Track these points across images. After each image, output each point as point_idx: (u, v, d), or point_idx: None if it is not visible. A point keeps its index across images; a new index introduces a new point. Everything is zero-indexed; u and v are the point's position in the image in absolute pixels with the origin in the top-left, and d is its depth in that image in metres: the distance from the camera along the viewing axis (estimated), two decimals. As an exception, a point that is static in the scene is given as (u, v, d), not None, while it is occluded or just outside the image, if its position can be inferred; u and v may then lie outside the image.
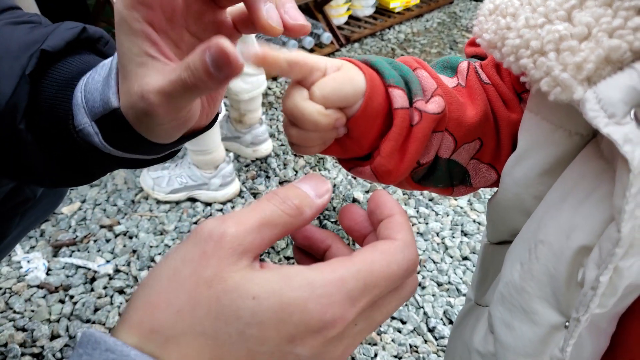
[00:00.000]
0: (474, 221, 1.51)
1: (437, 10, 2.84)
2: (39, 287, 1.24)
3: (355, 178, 1.64)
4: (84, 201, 1.50)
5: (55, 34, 0.37)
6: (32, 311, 1.19)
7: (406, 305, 1.26)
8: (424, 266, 1.36)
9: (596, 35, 0.28)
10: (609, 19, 0.28)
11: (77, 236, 1.38)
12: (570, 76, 0.28)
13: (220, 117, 1.37)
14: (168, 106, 0.30)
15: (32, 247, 1.35)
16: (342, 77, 0.34)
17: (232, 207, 1.51)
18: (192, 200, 1.52)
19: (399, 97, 0.36)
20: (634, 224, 0.27)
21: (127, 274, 1.30)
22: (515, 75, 0.38)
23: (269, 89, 2.07)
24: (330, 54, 2.32)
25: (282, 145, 1.77)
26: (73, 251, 1.35)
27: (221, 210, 1.50)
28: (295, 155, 1.72)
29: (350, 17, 2.54)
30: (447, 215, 1.53)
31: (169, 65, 0.29)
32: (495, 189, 0.43)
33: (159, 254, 1.36)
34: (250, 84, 1.50)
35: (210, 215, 1.48)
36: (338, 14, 2.42)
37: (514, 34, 0.32)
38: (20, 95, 0.34)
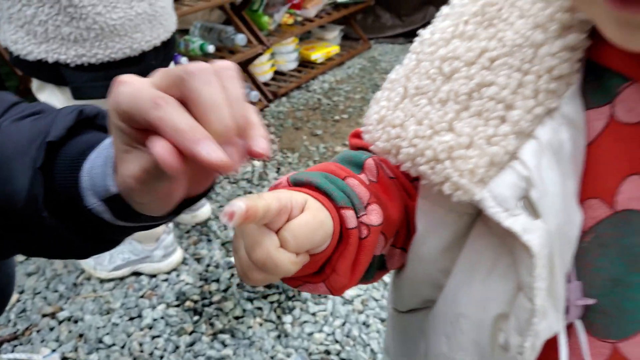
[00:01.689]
0: (409, 255, 1.61)
1: (357, 56, 3.04)
2: (-18, 389, 1.21)
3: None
4: (22, 292, 1.48)
5: (57, 122, 0.40)
6: (-24, 416, 1.15)
7: (354, 345, 1.33)
8: (366, 305, 1.44)
9: (477, 142, 0.33)
10: (484, 128, 0.33)
11: (18, 329, 1.36)
12: (468, 181, 0.33)
13: None
14: (142, 189, 0.32)
15: (-29, 348, 1.32)
16: (313, 222, 0.33)
17: (177, 276, 1.54)
18: (137, 274, 1.54)
19: (351, 218, 0.37)
20: (543, 295, 0.32)
21: (75, 359, 1.29)
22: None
23: (204, 151, 2.14)
24: (260, 110, 2.43)
25: (220, 206, 1.82)
26: (15, 346, 1.32)
27: (167, 280, 1.53)
28: (234, 214, 1.78)
29: (276, 72, 2.67)
30: (384, 253, 1.63)
31: (145, 152, 0.32)
32: None
33: (107, 334, 1.36)
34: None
35: (157, 287, 1.50)
36: (262, 71, 2.55)
37: (406, 143, 0.36)
38: (36, 187, 0.37)
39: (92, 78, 1.18)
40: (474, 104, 0.34)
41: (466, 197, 0.33)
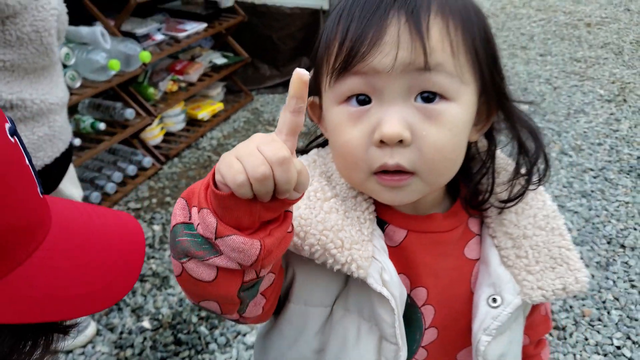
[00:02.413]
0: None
1: (241, 109, 3.34)
2: None
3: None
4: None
5: None
6: None
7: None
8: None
9: (360, 242, 0.54)
10: (358, 235, 0.54)
11: None
12: (367, 264, 0.52)
13: None
14: None
15: None
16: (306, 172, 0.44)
17: (93, 347, 1.72)
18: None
19: (290, 208, 0.48)
20: (402, 336, 0.54)
21: None
22: None
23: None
24: (153, 175, 2.63)
25: (127, 275, 2.01)
26: None
27: (83, 353, 1.70)
28: (141, 281, 1.99)
29: (166, 134, 2.88)
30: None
31: None
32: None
33: (32, 414, 1.50)
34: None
35: (74, 361, 1.67)
36: (153, 135, 2.74)
37: (316, 232, 0.53)
38: None
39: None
40: (348, 219, 0.55)
41: (363, 274, 0.53)
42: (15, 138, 0.41)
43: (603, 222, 2.24)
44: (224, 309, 0.53)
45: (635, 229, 2.19)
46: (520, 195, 0.60)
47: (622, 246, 2.10)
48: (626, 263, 2.01)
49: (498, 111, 0.59)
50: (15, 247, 0.39)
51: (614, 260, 2.03)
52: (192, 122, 3.03)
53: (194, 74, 2.90)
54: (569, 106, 3.28)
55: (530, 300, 0.58)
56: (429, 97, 0.52)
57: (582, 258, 2.08)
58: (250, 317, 0.58)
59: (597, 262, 2.02)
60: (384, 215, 0.60)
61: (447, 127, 0.52)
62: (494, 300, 0.59)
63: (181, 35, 2.71)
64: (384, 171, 0.53)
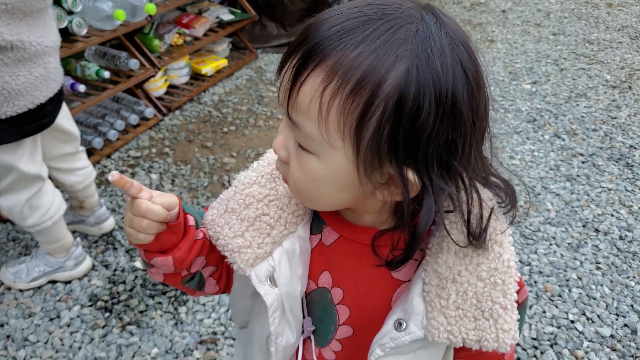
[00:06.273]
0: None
1: (245, 67, 3.39)
2: None
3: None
4: (-52, 305, 1.72)
5: None
6: None
7: (235, 326, 1.77)
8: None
9: (253, 246, 0.62)
10: (258, 239, 0.62)
11: (-50, 338, 1.62)
12: (244, 266, 0.62)
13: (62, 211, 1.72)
14: None
15: None
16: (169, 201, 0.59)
17: (89, 280, 1.86)
18: (53, 282, 1.84)
19: (191, 220, 0.63)
20: (275, 325, 0.63)
21: (5, 356, 1.59)
22: None
23: (105, 166, 2.41)
24: (154, 125, 2.72)
25: (123, 218, 2.14)
26: (-51, 351, 1.58)
27: (80, 285, 1.85)
28: (136, 224, 2.11)
29: (169, 86, 2.95)
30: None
31: None
32: None
33: (31, 333, 1.66)
34: (81, 176, 1.85)
35: (71, 291, 1.82)
36: (157, 87, 2.82)
37: (222, 237, 0.63)
38: None
39: (2, 128, 1.46)
40: (257, 224, 0.64)
41: (242, 273, 0.63)
42: None
43: (582, 206, 2.32)
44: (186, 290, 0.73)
45: (612, 215, 2.28)
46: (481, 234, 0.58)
47: (596, 230, 2.19)
48: (596, 246, 2.11)
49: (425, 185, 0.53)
50: None
51: (586, 242, 2.12)
52: (196, 76, 3.09)
53: (200, 29, 2.94)
54: (572, 89, 3.29)
55: (431, 338, 0.59)
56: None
57: (554, 237, 2.15)
58: (212, 292, 0.74)
59: (569, 244, 2.11)
60: (324, 216, 0.66)
61: (303, 170, 0.55)
62: (400, 324, 0.60)
63: (190, -12, 2.73)
64: None
